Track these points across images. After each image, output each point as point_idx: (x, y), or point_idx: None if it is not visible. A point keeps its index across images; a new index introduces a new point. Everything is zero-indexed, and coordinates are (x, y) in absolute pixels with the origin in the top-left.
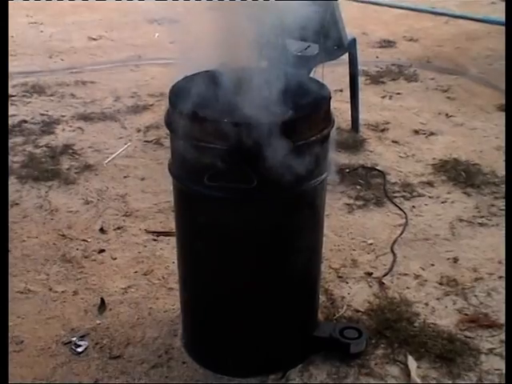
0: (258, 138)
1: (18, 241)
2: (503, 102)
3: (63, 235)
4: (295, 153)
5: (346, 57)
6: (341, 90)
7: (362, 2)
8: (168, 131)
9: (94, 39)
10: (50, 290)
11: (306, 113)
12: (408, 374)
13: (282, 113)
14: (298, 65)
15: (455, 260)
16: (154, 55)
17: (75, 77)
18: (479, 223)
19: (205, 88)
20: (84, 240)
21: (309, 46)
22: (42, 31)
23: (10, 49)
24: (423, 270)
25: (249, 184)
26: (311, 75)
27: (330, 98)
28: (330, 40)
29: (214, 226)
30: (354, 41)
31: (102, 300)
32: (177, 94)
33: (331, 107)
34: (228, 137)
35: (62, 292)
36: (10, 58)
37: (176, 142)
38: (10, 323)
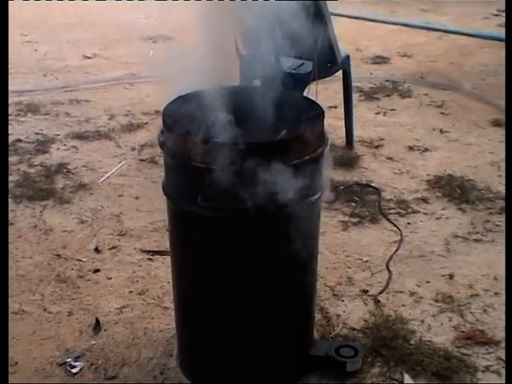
0: (252, 158)
1: (13, 261)
2: (497, 116)
3: (58, 255)
4: (289, 172)
5: (340, 73)
6: (335, 107)
7: (356, 17)
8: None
9: (89, 57)
10: (45, 310)
11: (300, 132)
12: None
13: (275, 132)
14: (292, 83)
15: (451, 276)
16: (149, 73)
17: (69, 95)
18: (474, 239)
19: (198, 108)
20: (79, 260)
21: (302, 64)
22: (36, 50)
23: None
24: (419, 286)
25: (242, 204)
26: (305, 92)
27: (324, 117)
28: (324, 57)
29: (209, 245)
30: (347, 57)
31: (97, 320)
32: (170, 114)
33: (325, 126)
34: (221, 157)
35: (57, 312)
36: None
37: (169, 162)
38: None
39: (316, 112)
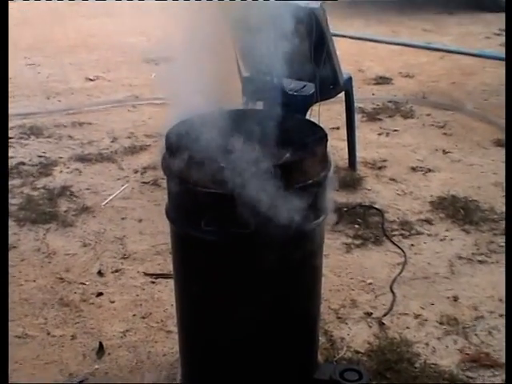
0: (255, 182)
1: (16, 285)
2: (500, 137)
3: (61, 278)
4: (292, 196)
5: (342, 94)
6: (337, 128)
7: (358, 38)
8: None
9: (91, 80)
10: (48, 334)
11: (303, 156)
12: None
13: (278, 156)
14: (294, 105)
15: (455, 298)
16: (151, 95)
17: (72, 118)
18: (479, 260)
19: (200, 132)
20: (82, 283)
21: (305, 86)
22: (39, 72)
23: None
24: (423, 309)
25: (246, 228)
26: (308, 114)
27: (327, 140)
28: (326, 79)
29: (212, 269)
30: (350, 79)
31: (101, 344)
32: (173, 138)
33: (328, 148)
34: (224, 181)
35: (60, 336)
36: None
37: (172, 186)
38: None
39: (319, 135)
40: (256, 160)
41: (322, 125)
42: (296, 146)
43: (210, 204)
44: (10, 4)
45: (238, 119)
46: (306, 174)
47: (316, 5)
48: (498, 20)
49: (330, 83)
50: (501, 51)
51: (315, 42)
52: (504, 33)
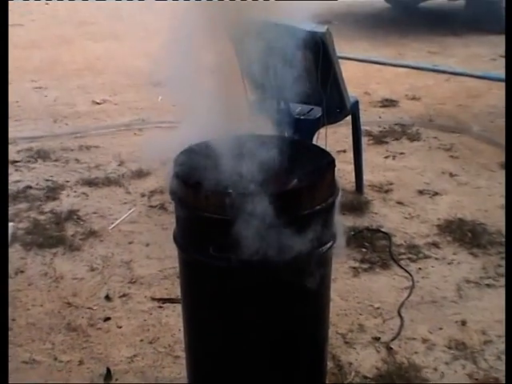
0: (263, 208)
1: (23, 309)
2: None
3: (68, 303)
4: (300, 222)
5: (349, 117)
6: (344, 151)
7: (364, 61)
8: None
9: (98, 103)
10: (56, 359)
11: (311, 182)
12: None
13: (286, 182)
14: (301, 129)
15: (463, 323)
16: (158, 119)
17: (79, 141)
18: (486, 284)
19: (208, 157)
20: (89, 308)
21: (311, 109)
22: (46, 95)
23: (14, 114)
24: (431, 333)
25: (254, 254)
26: (315, 138)
27: (335, 166)
28: (333, 103)
29: (220, 295)
30: (356, 103)
31: (108, 370)
32: (181, 164)
33: (335, 174)
34: (232, 207)
35: (68, 362)
36: (14, 123)
37: (181, 211)
38: None
39: (327, 161)
40: (264, 186)
41: (328, 148)
42: (304, 172)
43: (218, 230)
44: (18, 28)
45: (245, 144)
46: (314, 200)
47: (323, 29)
48: (503, 42)
49: (337, 107)
50: None
51: (322, 65)
52: None
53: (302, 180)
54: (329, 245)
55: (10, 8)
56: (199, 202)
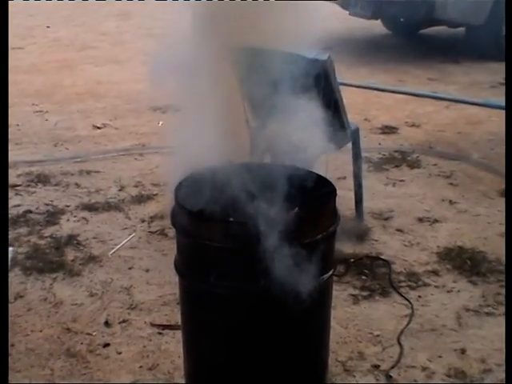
0: (264, 237)
1: (22, 335)
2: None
3: (68, 329)
4: (301, 251)
5: (349, 144)
6: (344, 178)
7: (364, 87)
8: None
9: (99, 127)
10: None
11: (312, 211)
12: None
13: (287, 211)
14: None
15: (463, 351)
16: (158, 144)
17: (80, 166)
18: (486, 312)
19: (209, 185)
20: (89, 334)
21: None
22: (46, 119)
23: (15, 137)
24: (430, 361)
25: (255, 283)
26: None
27: (336, 195)
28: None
29: (221, 323)
30: (357, 130)
31: None
32: (182, 192)
33: (336, 203)
34: (234, 236)
35: None
36: (15, 146)
37: (182, 240)
38: None
39: (328, 190)
40: (265, 215)
41: (328, 174)
42: (305, 200)
43: (219, 258)
44: (19, 51)
45: (247, 173)
46: (315, 229)
47: (324, 57)
48: (503, 69)
49: (338, 134)
50: None
51: (323, 93)
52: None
53: (303, 209)
54: (329, 273)
55: (10, 31)
56: (200, 230)
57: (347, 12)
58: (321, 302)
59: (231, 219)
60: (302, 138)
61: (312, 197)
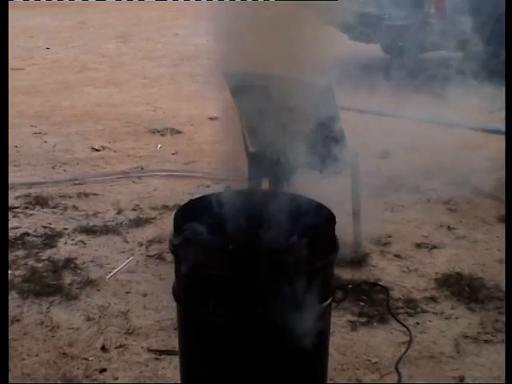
0: (263, 265)
1: (18, 359)
2: (504, 213)
3: (64, 353)
4: (300, 279)
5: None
6: (342, 202)
7: (362, 111)
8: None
9: (97, 150)
10: None
11: (311, 239)
12: None
13: (286, 239)
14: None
15: (461, 379)
16: (157, 167)
17: (78, 188)
18: (484, 340)
19: (208, 213)
20: (85, 359)
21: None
22: (45, 141)
23: (13, 159)
24: None
25: (254, 311)
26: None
27: (335, 222)
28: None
29: (219, 350)
30: (355, 155)
31: None
32: (181, 219)
33: (335, 231)
34: (232, 264)
35: None
36: (13, 168)
37: (180, 266)
38: None
39: (327, 217)
40: (263, 242)
41: (327, 200)
42: (303, 228)
43: (217, 286)
44: (18, 73)
45: (245, 199)
46: (314, 258)
47: (323, 82)
48: (502, 93)
49: (337, 159)
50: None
51: (322, 118)
52: None
53: (302, 237)
54: (328, 301)
55: (10, 52)
56: (199, 257)
57: (346, 36)
58: (319, 329)
59: (230, 247)
60: (300, 163)
61: (311, 225)
